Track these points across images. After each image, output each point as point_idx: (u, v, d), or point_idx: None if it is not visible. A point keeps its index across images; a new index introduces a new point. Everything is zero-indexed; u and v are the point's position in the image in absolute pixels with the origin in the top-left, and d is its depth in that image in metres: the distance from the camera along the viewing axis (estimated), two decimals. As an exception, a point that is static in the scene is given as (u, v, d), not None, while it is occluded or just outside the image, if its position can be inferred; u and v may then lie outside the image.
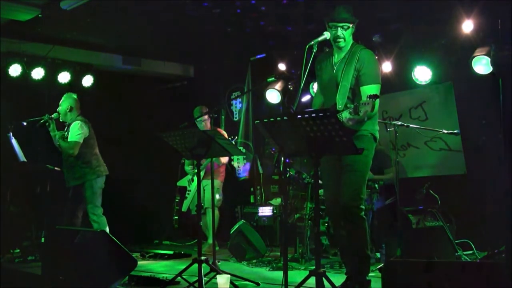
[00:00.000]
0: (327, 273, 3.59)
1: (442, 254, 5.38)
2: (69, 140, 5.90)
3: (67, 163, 6.05)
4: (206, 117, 6.93)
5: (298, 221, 6.36)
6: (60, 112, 6.07)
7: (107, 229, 5.89)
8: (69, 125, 6.02)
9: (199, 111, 7.03)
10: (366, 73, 4.00)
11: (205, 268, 4.52)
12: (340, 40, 4.09)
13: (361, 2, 5.36)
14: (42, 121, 6.00)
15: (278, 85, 7.62)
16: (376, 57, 4.22)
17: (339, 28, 4.07)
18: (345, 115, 3.82)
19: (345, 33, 4.09)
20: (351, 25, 4.10)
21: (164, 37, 7.50)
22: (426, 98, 6.89)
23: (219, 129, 7.03)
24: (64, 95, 6.19)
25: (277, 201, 7.43)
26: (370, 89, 3.93)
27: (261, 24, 6.85)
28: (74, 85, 7.71)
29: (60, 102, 6.14)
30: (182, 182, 7.52)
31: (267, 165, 8.23)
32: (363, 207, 4.05)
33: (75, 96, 6.22)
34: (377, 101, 3.71)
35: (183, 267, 4.65)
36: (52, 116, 6.00)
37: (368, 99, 3.60)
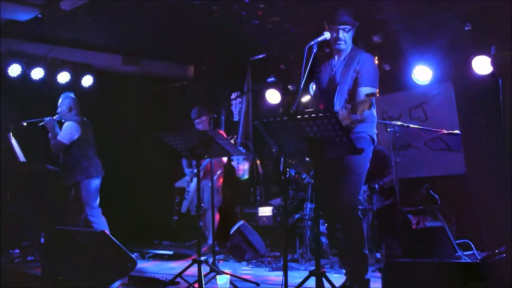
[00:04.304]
0: (327, 273, 3.60)
1: (442, 254, 5.38)
2: (57, 138, 5.97)
3: (62, 162, 6.12)
4: (204, 118, 6.92)
5: (298, 222, 6.36)
6: (61, 113, 6.10)
7: (107, 230, 5.89)
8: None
9: (196, 113, 7.03)
10: (364, 75, 4.01)
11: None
12: (341, 42, 4.10)
13: (361, 2, 5.36)
14: (42, 122, 6.01)
15: (278, 85, 7.64)
16: (376, 62, 4.23)
17: (340, 31, 4.07)
18: (342, 114, 3.83)
19: (346, 36, 4.09)
20: (352, 28, 4.10)
21: (164, 37, 7.49)
22: (426, 98, 6.89)
23: (220, 131, 7.03)
24: (62, 96, 6.21)
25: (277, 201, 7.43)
26: (366, 90, 3.92)
27: (261, 24, 6.85)
28: (73, 85, 7.70)
29: (59, 103, 6.15)
30: (180, 183, 7.51)
31: (267, 165, 8.23)
32: (359, 207, 4.06)
33: (72, 95, 6.23)
34: (374, 101, 3.72)
35: (183, 267, 4.65)
36: (54, 118, 6.02)
37: (365, 97, 3.62)
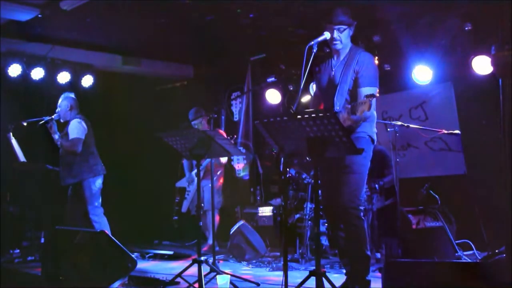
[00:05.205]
0: (327, 273, 3.60)
1: (442, 254, 5.38)
2: (71, 138, 5.93)
3: (64, 161, 6.06)
4: (201, 119, 6.90)
5: (298, 222, 6.35)
6: (60, 113, 6.09)
7: (109, 230, 5.88)
8: (68, 124, 6.04)
9: (194, 114, 7.01)
10: (364, 75, 4.01)
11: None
12: (336, 42, 4.09)
13: (362, 2, 5.36)
14: (42, 122, 6.01)
15: (278, 85, 7.64)
16: (377, 61, 4.22)
17: (335, 31, 4.06)
18: (342, 115, 3.83)
19: (341, 35, 4.07)
20: (347, 28, 4.09)
21: (164, 37, 7.49)
22: (426, 98, 6.89)
23: (220, 131, 7.03)
24: (62, 95, 6.21)
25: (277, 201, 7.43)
26: (367, 91, 3.92)
27: (261, 24, 6.85)
28: (73, 85, 7.71)
29: (59, 103, 6.15)
30: (181, 183, 7.51)
31: (267, 165, 8.22)
32: (361, 207, 4.05)
33: (73, 95, 6.24)
34: (374, 102, 3.72)
35: (183, 267, 4.65)
36: (53, 117, 6.02)
37: (365, 98, 3.62)
